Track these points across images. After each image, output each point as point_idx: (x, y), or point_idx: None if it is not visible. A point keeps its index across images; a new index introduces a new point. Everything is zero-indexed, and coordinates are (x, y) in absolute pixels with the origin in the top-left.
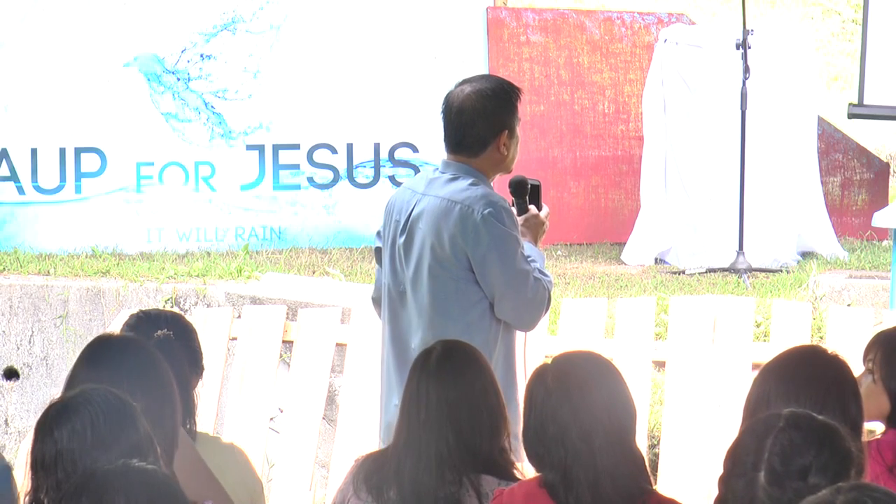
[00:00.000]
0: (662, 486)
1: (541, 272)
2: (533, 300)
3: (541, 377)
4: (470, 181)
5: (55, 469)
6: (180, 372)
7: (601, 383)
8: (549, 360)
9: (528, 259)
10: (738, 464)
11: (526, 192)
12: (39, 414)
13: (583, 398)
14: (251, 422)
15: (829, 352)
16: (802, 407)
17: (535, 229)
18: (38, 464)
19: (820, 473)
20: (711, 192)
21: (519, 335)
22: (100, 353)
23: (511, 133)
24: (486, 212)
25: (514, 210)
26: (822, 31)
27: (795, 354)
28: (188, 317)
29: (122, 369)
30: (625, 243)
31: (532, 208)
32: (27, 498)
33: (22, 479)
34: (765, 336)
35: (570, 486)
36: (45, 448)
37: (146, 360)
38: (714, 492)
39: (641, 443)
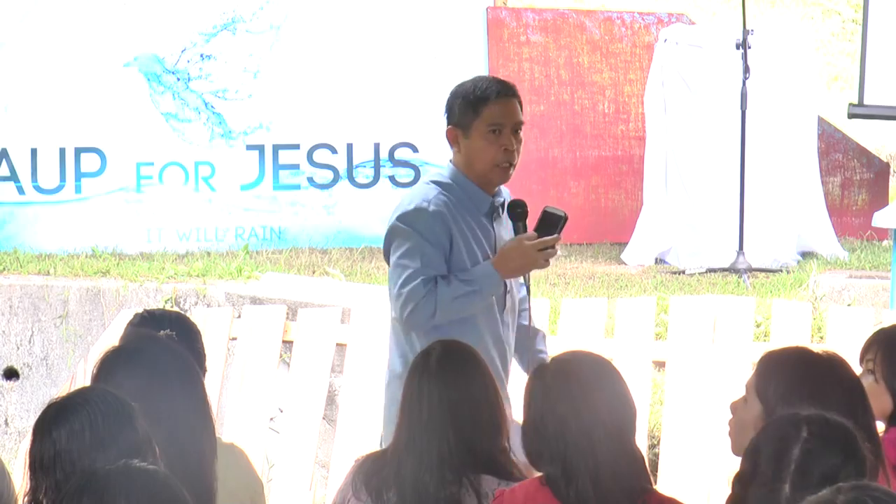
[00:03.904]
0: (662, 486)
1: (445, 287)
2: (396, 297)
3: (540, 375)
4: (427, 179)
5: (54, 470)
6: None
7: (601, 380)
8: (547, 360)
9: (464, 278)
10: (760, 473)
11: (514, 215)
12: (39, 414)
13: (583, 394)
14: (251, 422)
15: (836, 356)
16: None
17: (507, 253)
18: (37, 464)
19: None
20: (712, 191)
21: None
22: (126, 361)
23: (465, 131)
24: (401, 210)
25: (438, 216)
26: (822, 31)
27: (800, 358)
28: (188, 317)
29: (159, 370)
30: (625, 243)
31: (531, 233)
32: (26, 498)
33: (21, 480)
34: (765, 336)
35: (570, 479)
36: (43, 449)
37: (173, 358)
38: (714, 492)
39: (641, 443)
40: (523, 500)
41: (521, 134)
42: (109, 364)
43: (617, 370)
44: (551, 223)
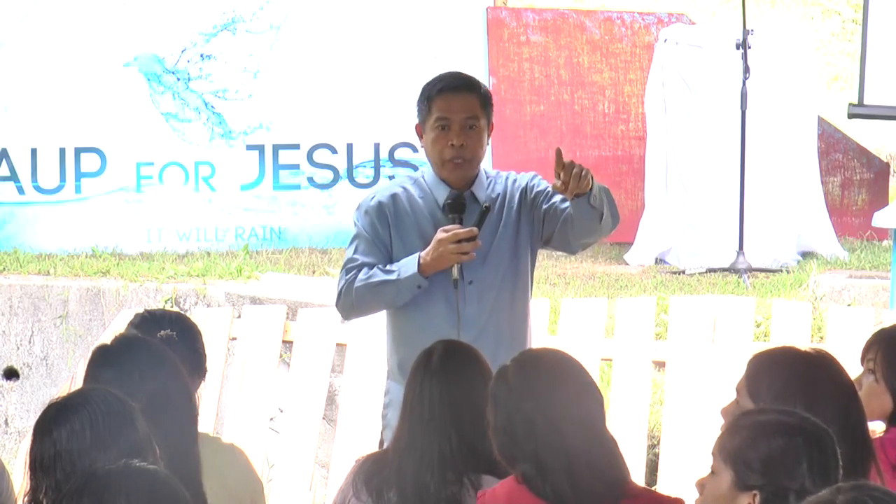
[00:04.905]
0: (662, 486)
1: (364, 274)
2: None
3: (502, 376)
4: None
5: (54, 470)
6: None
7: (563, 374)
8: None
9: (386, 268)
10: (767, 480)
11: (447, 207)
12: (39, 414)
13: (546, 390)
14: (251, 422)
15: (826, 354)
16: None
17: (430, 245)
18: (37, 464)
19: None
20: (712, 191)
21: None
22: (105, 360)
23: (422, 128)
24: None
25: (376, 208)
26: (822, 31)
27: (791, 357)
28: (188, 317)
29: (140, 371)
30: (625, 243)
31: (451, 226)
32: (26, 498)
33: (21, 479)
34: (765, 336)
35: (545, 475)
36: (43, 449)
37: (155, 359)
38: None
39: (641, 443)
40: (505, 499)
41: (479, 128)
42: (93, 363)
43: (578, 362)
44: (481, 216)
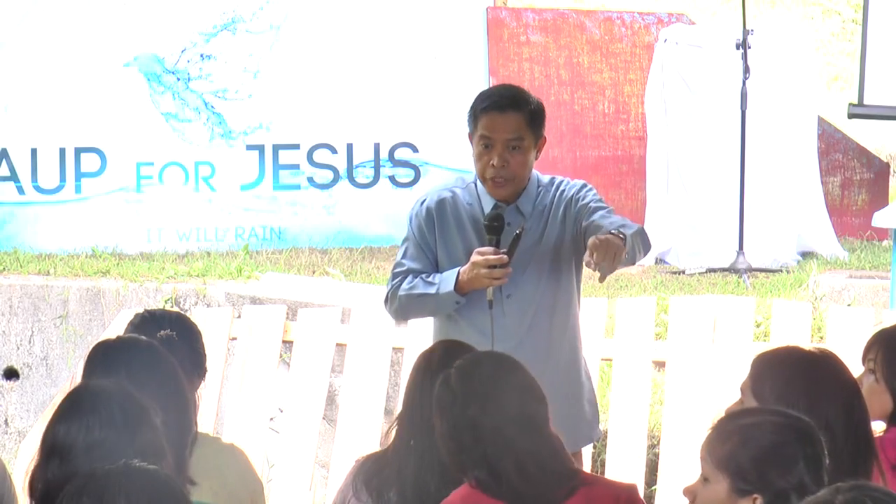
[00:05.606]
0: (662, 486)
1: (408, 283)
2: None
3: (445, 383)
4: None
5: (49, 463)
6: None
7: (503, 376)
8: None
9: (429, 280)
10: (767, 482)
11: (487, 228)
12: (39, 414)
13: (487, 393)
14: (251, 422)
15: (829, 353)
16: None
17: (468, 264)
18: (44, 448)
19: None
20: (712, 191)
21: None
22: (105, 358)
23: (472, 138)
24: None
25: (424, 213)
26: (822, 31)
27: (794, 357)
28: (188, 317)
29: (130, 371)
30: None
31: (486, 248)
32: (30, 476)
33: (22, 479)
34: (765, 336)
35: (498, 478)
36: (47, 437)
37: (153, 360)
38: None
39: (641, 443)
40: None
41: (523, 148)
42: (91, 363)
43: (520, 363)
44: (513, 241)
